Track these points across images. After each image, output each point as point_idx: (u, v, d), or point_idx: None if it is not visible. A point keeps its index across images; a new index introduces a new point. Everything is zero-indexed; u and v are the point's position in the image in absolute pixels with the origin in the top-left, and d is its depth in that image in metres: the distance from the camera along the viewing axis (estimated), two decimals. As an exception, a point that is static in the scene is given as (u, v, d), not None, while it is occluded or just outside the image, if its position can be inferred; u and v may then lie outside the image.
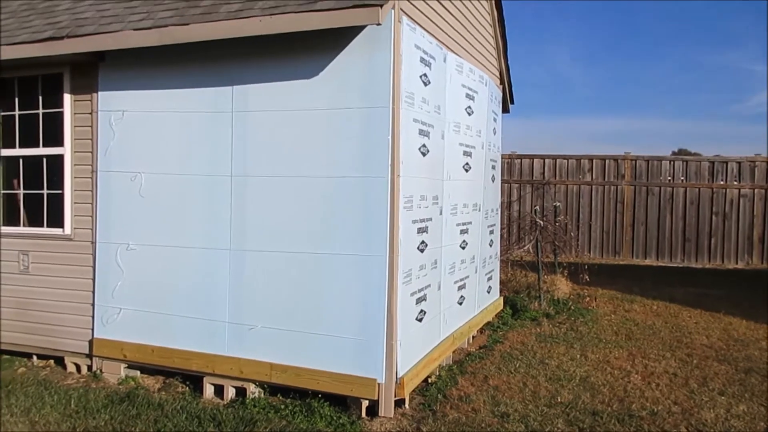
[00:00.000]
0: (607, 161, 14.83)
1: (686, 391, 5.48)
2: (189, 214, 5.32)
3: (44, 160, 6.00)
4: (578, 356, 6.49)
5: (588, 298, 9.41)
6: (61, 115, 5.84)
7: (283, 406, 4.86)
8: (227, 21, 4.72)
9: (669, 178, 14.55)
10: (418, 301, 5.26)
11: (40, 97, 5.99)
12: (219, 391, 5.23)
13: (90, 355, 5.73)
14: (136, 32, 5.05)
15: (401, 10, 4.78)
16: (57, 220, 5.92)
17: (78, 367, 5.83)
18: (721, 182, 14.28)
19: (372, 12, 4.27)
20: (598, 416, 4.86)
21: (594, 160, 14.90)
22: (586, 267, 9.94)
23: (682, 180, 14.47)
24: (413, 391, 5.15)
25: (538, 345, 6.89)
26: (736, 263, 14.20)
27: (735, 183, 14.24)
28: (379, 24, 4.33)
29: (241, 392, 5.16)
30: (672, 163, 14.64)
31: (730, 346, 7.02)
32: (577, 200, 14.95)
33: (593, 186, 14.88)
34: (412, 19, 5.02)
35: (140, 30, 5.03)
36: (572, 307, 8.78)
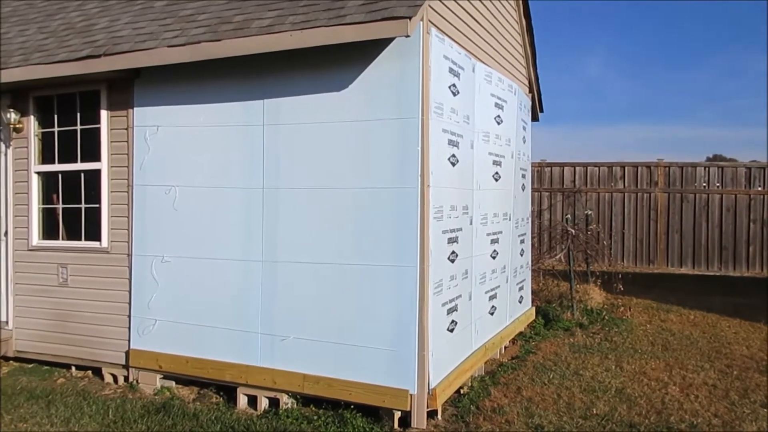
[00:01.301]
0: (639, 168, 14.59)
1: (727, 403, 5.34)
2: (221, 226, 5.40)
3: (82, 174, 6.16)
4: (613, 367, 6.37)
5: (622, 308, 9.24)
6: (98, 130, 6.00)
7: (315, 417, 4.88)
8: (259, 36, 4.80)
9: (704, 184, 14.24)
10: (449, 311, 5.24)
11: (78, 114, 6.16)
12: (252, 401, 5.27)
13: (126, 366, 5.83)
14: (170, 49, 5.17)
15: (430, 21, 4.81)
16: (94, 234, 6.06)
17: (115, 378, 5.94)
18: (759, 188, 13.93)
19: (401, 24, 4.30)
20: (635, 429, 4.77)
21: (626, 168, 14.68)
22: (620, 276, 9.78)
23: (718, 186, 14.15)
24: (446, 402, 5.12)
25: (571, 355, 6.79)
26: (776, 271, 13.81)
27: (773, 189, 13.88)
28: (408, 36, 4.35)
29: (274, 403, 5.19)
30: (707, 169, 14.34)
31: (772, 356, 6.82)
32: (610, 208, 14.74)
33: (626, 193, 14.65)
34: (440, 30, 5.04)
35: (174, 47, 5.15)
36: (606, 317, 8.64)
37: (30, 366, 6.42)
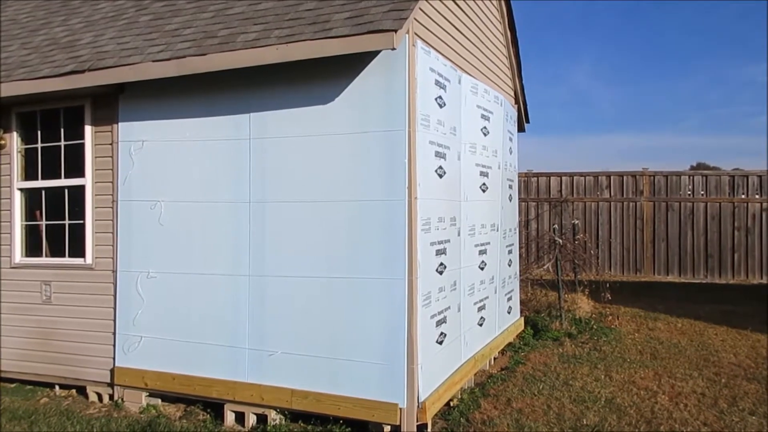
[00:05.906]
0: (625, 177, 14.72)
1: (716, 412, 5.35)
2: (208, 241, 5.35)
3: (66, 191, 6.09)
4: (603, 377, 6.37)
5: (610, 317, 9.27)
6: (82, 146, 5.94)
7: (304, 433, 4.83)
8: (244, 50, 4.79)
9: (689, 193, 14.39)
10: (438, 323, 5.22)
11: (62, 130, 6.10)
12: (240, 418, 5.20)
13: (112, 384, 5.74)
14: (155, 63, 5.14)
15: (415, 34, 4.83)
16: (78, 250, 5.99)
17: (100, 397, 5.84)
18: (743, 196, 14.08)
19: (386, 37, 4.31)
20: (625, 439, 4.76)
21: (612, 177, 14.80)
22: (608, 285, 9.80)
23: (702, 195, 14.29)
24: (435, 415, 5.09)
25: (561, 366, 6.79)
26: (761, 278, 13.93)
27: (756, 197, 14.03)
28: (393, 49, 4.36)
29: (262, 419, 5.13)
30: (691, 177, 14.49)
31: (759, 364, 6.85)
32: (596, 217, 14.83)
33: (612, 203, 14.75)
34: (426, 42, 5.06)
35: (159, 61, 5.13)
36: (594, 326, 8.66)
37: (12, 386, 6.30)
